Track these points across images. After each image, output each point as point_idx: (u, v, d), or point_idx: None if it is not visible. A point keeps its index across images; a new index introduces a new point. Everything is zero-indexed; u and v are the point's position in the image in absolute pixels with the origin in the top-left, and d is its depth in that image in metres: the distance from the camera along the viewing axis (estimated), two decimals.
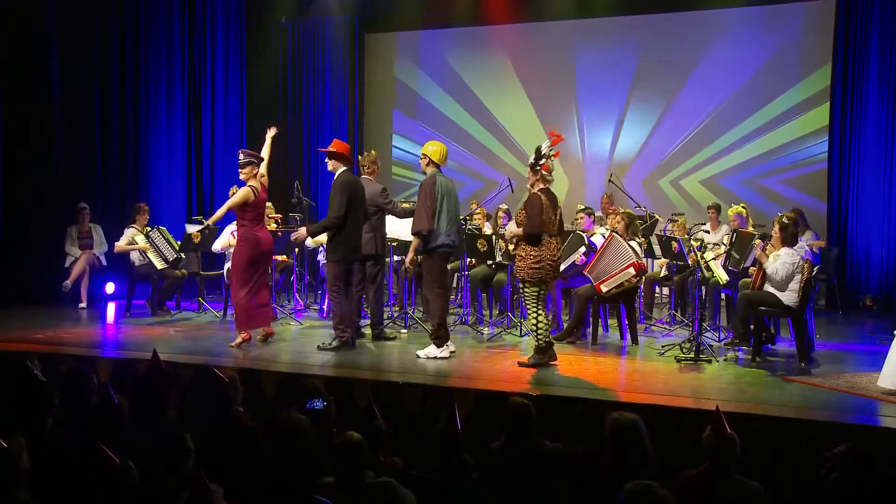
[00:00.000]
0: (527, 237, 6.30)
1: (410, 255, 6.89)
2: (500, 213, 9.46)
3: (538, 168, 6.37)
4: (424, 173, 6.92)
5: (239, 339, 7.03)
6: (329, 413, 4.27)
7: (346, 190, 6.88)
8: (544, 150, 6.37)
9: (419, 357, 6.62)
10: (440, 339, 6.66)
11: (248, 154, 7.20)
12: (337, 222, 6.87)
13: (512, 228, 6.66)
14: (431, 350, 6.65)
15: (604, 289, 7.28)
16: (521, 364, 6.37)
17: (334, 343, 6.89)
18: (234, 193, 7.50)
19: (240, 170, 7.13)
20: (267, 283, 7.41)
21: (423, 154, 6.88)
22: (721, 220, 9.30)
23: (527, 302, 6.40)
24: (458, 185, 12.24)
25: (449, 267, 7.45)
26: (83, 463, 3.14)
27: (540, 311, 6.35)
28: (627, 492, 2.87)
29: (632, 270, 7.19)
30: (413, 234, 6.78)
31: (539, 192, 6.35)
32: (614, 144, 11.63)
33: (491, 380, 6.01)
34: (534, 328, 6.39)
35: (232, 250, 7.67)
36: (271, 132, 7.58)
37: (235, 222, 7.52)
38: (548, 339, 6.40)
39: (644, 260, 7.70)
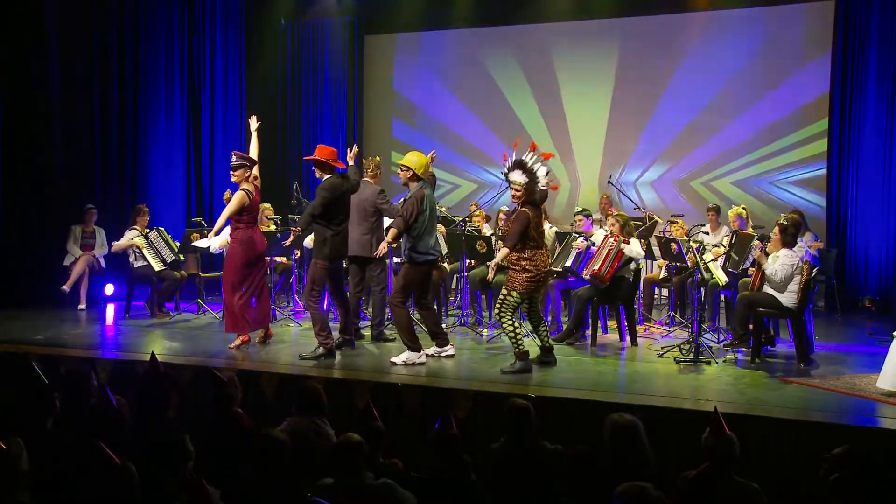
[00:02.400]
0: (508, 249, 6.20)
1: (383, 245, 6.67)
2: (501, 215, 9.39)
3: (533, 185, 6.20)
4: (406, 186, 6.69)
5: (238, 341, 7.02)
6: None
7: (327, 191, 6.73)
8: (531, 165, 6.18)
9: (394, 363, 6.45)
10: (415, 345, 6.53)
11: (241, 157, 7.13)
12: (310, 219, 6.76)
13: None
14: (408, 356, 6.50)
15: (595, 266, 7.19)
16: (504, 372, 6.18)
17: (319, 351, 6.66)
18: (228, 198, 7.46)
19: (232, 172, 7.07)
20: (266, 284, 7.37)
21: (406, 166, 6.60)
22: (720, 222, 9.31)
23: (503, 309, 6.23)
24: (457, 186, 12.50)
25: (436, 273, 7.29)
26: (83, 463, 3.13)
27: (515, 319, 6.28)
28: (621, 493, 2.87)
29: (611, 239, 7.16)
30: (390, 228, 6.68)
31: (526, 209, 6.21)
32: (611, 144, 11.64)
33: (490, 381, 6.01)
34: (512, 335, 6.24)
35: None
36: (255, 124, 7.38)
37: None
38: (524, 347, 6.26)
39: (643, 258, 7.71)
